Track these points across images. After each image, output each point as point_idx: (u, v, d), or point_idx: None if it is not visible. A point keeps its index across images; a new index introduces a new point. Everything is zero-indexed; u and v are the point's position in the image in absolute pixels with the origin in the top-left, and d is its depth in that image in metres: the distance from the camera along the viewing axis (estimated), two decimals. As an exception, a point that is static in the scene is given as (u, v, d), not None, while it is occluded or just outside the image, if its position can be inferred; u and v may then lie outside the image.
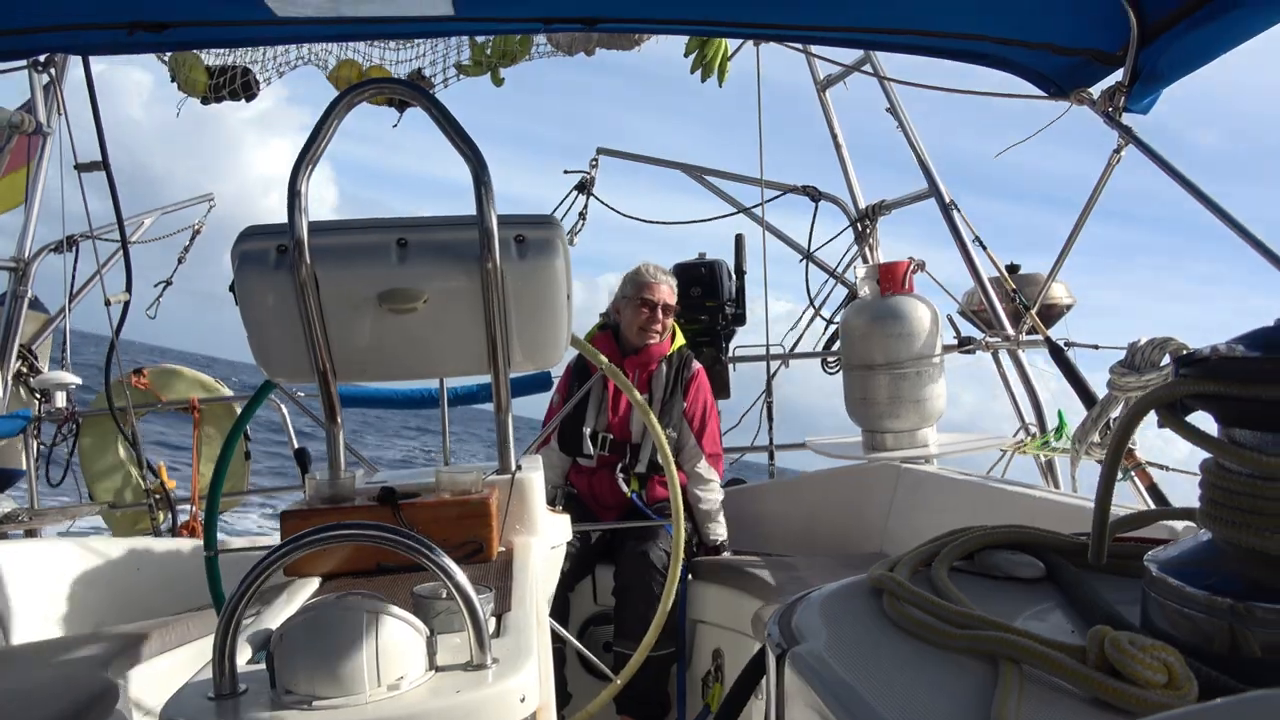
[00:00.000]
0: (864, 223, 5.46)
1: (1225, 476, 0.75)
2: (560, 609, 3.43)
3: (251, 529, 8.89)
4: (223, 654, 1.10)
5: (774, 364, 5.39)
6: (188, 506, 4.87)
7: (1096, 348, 4.13)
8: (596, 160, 5.66)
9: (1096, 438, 3.21)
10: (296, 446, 2.38)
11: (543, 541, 2.02)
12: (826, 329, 5.29)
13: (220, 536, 2.56)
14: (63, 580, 3.06)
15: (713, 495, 3.73)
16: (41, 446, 4.89)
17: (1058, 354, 4.05)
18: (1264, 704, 0.47)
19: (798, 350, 5.41)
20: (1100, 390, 3.34)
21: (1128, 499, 3.20)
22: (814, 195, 5.56)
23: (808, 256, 5.48)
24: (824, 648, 0.84)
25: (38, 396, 4.91)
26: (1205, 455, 0.80)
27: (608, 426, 3.75)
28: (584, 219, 5.62)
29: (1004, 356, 4.39)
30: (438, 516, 1.77)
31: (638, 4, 2.73)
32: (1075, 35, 2.68)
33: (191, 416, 5.22)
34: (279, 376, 2.02)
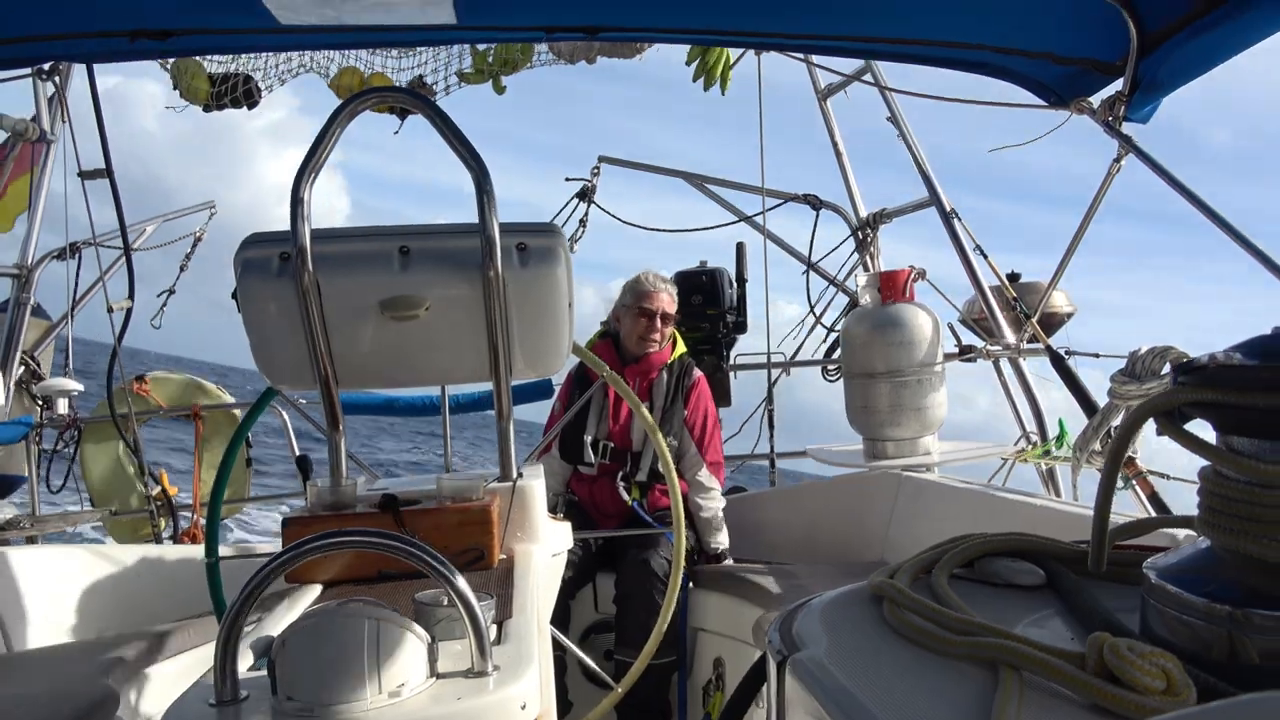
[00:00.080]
0: (865, 231, 5.47)
1: (1223, 484, 0.76)
2: (561, 617, 3.42)
3: (253, 536, 8.89)
4: (224, 660, 1.10)
5: (775, 372, 5.39)
6: (189, 513, 4.87)
7: (1097, 356, 4.14)
8: (598, 168, 5.67)
9: (1098, 446, 3.21)
10: (298, 453, 2.38)
11: (544, 549, 2.02)
12: (827, 337, 5.30)
13: (221, 544, 2.57)
14: (63, 587, 3.06)
15: (714, 503, 3.73)
16: (43, 453, 4.90)
17: (1058, 362, 4.05)
18: (1259, 706, 0.47)
19: (799, 358, 5.41)
20: (1101, 399, 3.35)
21: (1129, 507, 3.20)
22: (815, 204, 5.58)
23: (809, 264, 5.49)
24: (824, 654, 0.85)
25: (39, 403, 4.91)
26: (1204, 463, 0.80)
27: (609, 435, 3.75)
28: (584, 226, 5.63)
29: (1005, 365, 4.40)
30: (439, 524, 1.77)
31: (639, 13, 2.74)
32: (1075, 45, 2.69)
33: (193, 423, 5.23)
34: (281, 384, 2.03)
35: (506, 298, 1.80)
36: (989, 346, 4.44)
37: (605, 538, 3.64)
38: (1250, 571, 0.73)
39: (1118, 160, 3.30)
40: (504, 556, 1.86)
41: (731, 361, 5.18)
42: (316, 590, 1.67)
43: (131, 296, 4.10)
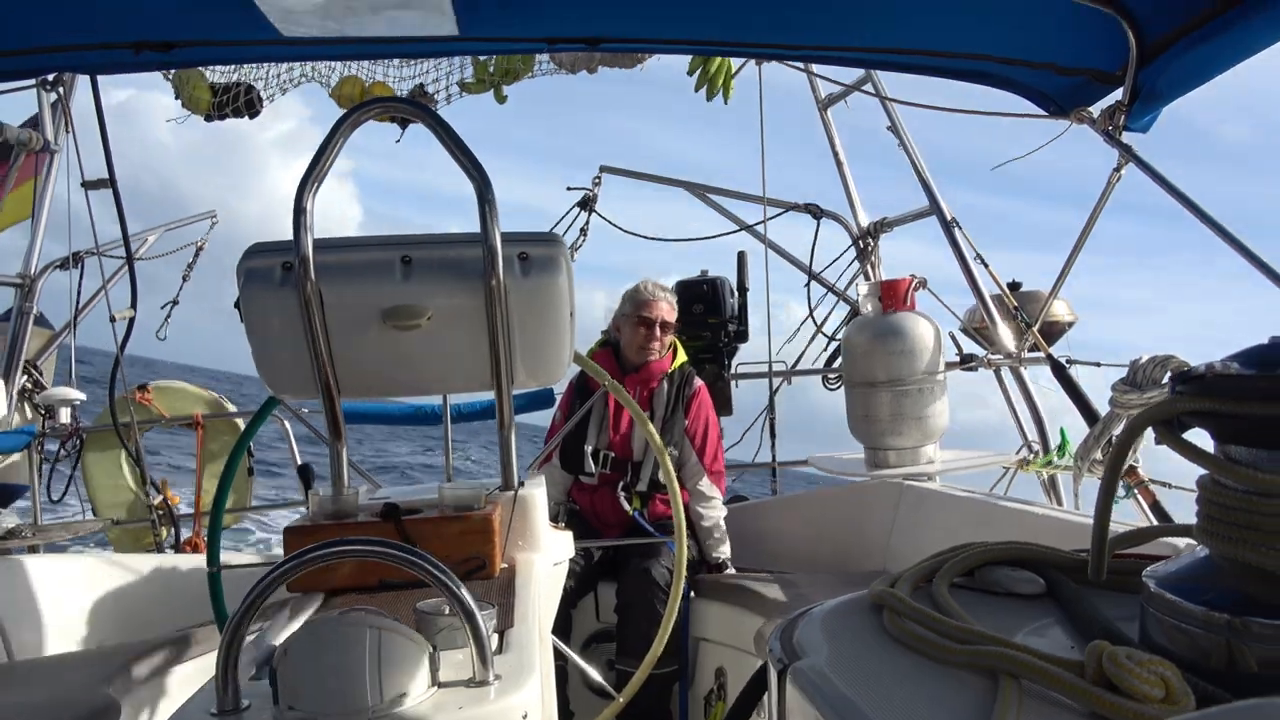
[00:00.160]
0: (866, 240, 5.48)
1: (1221, 493, 0.76)
2: (563, 626, 3.42)
3: (275, 536, 8.89)
4: (225, 670, 1.10)
5: (776, 380, 5.40)
6: (190, 522, 4.87)
7: (1099, 364, 4.14)
8: (600, 178, 5.69)
9: (1099, 455, 3.21)
10: (300, 462, 2.39)
11: (545, 558, 2.02)
12: (828, 346, 5.31)
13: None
14: (65, 596, 3.06)
15: (715, 512, 3.73)
16: (45, 462, 4.90)
17: (1059, 371, 4.05)
18: (1255, 712, 0.47)
19: (800, 366, 5.42)
20: (1102, 407, 3.35)
21: (1132, 517, 3.20)
22: (816, 213, 5.59)
23: (810, 274, 5.50)
24: (825, 663, 0.85)
25: (42, 413, 4.92)
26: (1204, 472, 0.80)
27: (609, 444, 3.75)
28: (585, 235, 5.65)
29: (1006, 374, 4.40)
30: (440, 532, 1.78)
31: (640, 24, 2.76)
32: (1075, 55, 2.70)
33: (195, 432, 5.23)
34: (283, 393, 2.03)
35: (508, 307, 1.81)
36: (990, 355, 4.44)
37: (607, 547, 3.64)
38: (1249, 580, 0.73)
39: (1118, 170, 3.31)
40: (505, 565, 1.86)
41: (733, 370, 5.19)
42: (318, 599, 1.67)
43: (134, 306, 4.11)
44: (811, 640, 0.91)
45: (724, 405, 4.94)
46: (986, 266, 4.52)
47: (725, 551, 3.74)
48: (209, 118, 5.48)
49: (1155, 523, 3.06)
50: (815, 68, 5.05)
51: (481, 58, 5.11)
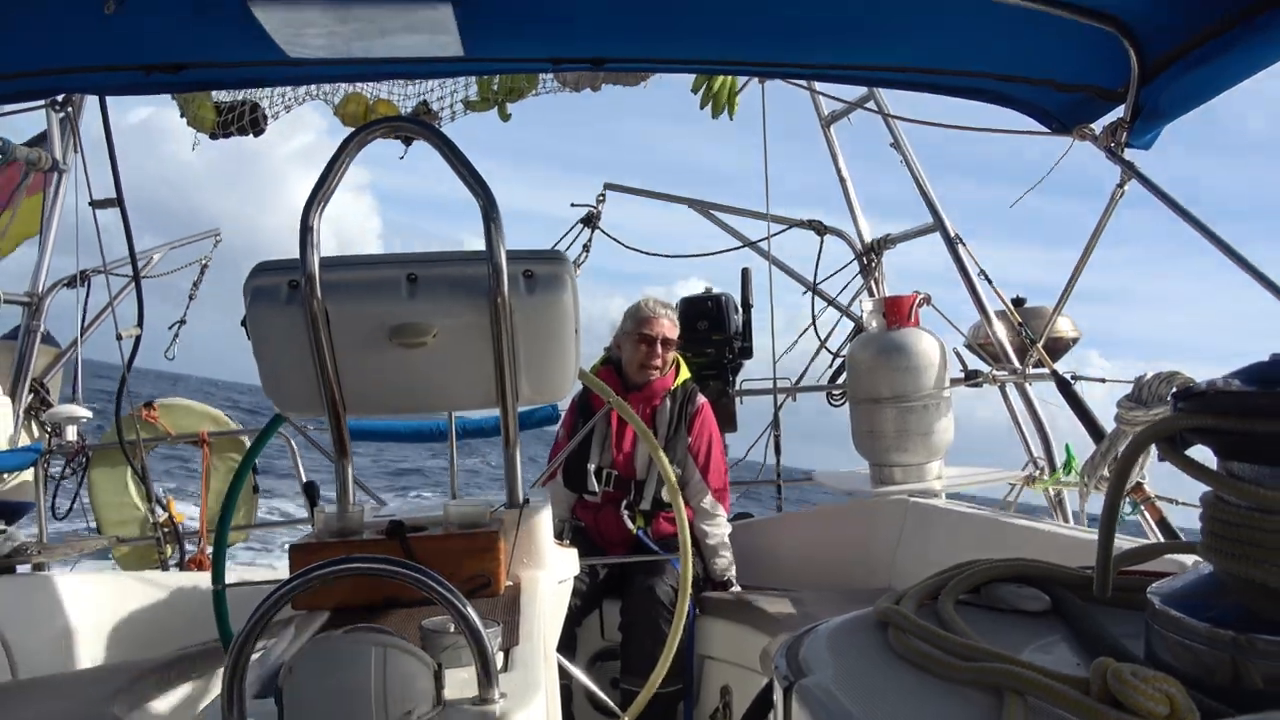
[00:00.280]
0: (869, 256, 5.49)
1: (1225, 509, 0.76)
2: (567, 644, 3.41)
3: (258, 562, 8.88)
4: (231, 688, 1.10)
5: (780, 397, 5.40)
6: (195, 540, 4.87)
7: (1104, 381, 4.14)
8: (604, 195, 5.72)
9: (1106, 472, 3.20)
10: (305, 480, 2.39)
11: (550, 575, 2.02)
12: (833, 362, 5.31)
13: (228, 570, 2.57)
14: (70, 614, 3.06)
15: (719, 530, 3.72)
16: (51, 480, 4.91)
17: (1065, 387, 4.05)
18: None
19: (804, 382, 5.42)
20: (1107, 423, 3.35)
21: (1139, 534, 3.19)
22: (820, 229, 5.60)
23: (814, 290, 5.51)
24: (831, 680, 0.85)
25: (48, 430, 4.93)
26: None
27: (612, 463, 3.74)
28: (588, 251, 5.67)
29: (1011, 390, 4.40)
30: (445, 550, 1.78)
31: (644, 44, 2.78)
32: (1077, 72, 2.71)
33: (200, 450, 5.24)
34: (290, 410, 2.04)
35: (513, 324, 1.81)
36: (995, 371, 4.44)
37: (611, 565, 3.63)
38: (1253, 596, 0.74)
39: (1120, 186, 3.32)
40: (510, 583, 1.86)
41: (737, 387, 5.19)
42: (323, 617, 1.67)
43: (140, 324, 4.13)
44: (817, 657, 0.91)
45: (728, 422, 4.94)
46: (990, 282, 4.53)
47: (730, 569, 3.72)
48: (214, 136, 5.52)
49: (1161, 539, 3.05)
50: (818, 85, 5.09)
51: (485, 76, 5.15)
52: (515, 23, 2.42)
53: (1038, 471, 4.17)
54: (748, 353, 5.17)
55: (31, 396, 5.04)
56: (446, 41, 2.37)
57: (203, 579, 3.52)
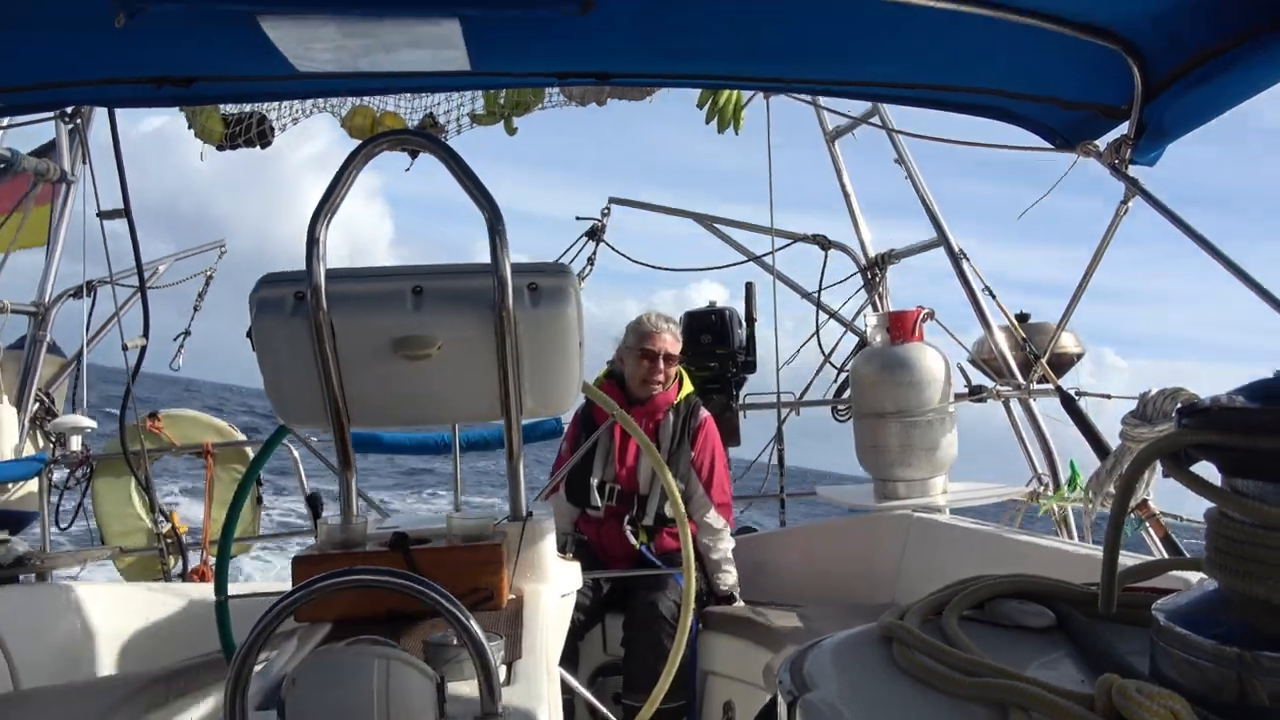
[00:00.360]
0: (873, 271, 5.50)
1: (1229, 526, 0.76)
2: (570, 658, 3.40)
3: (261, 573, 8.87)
4: (234, 700, 1.10)
5: (784, 411, 5.40)
6: (198, 551, 4.87)
7: (1109, 397, 4.13)
8: (608, 209, 5.73)
9: (1111, 489, 3.19)
10: (309, 492, 2.39)
11: (553, 589, 2.02)
12: (838, 377, 5.31)
13: (231, 581, 2.57)
14: (73, 625, 3.06)
15: (722, 545, 3.71)
16: (55, 489, 4.91)
17: (1069, 403, 4.05)
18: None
19: (808, 396, 5.42)
20: (1111, 438, 3.34)
21: (1145, 551, 3.18)
22: (824, 244, 5.62)
23: (817, 304, 5.52)
24: (835, 696, 0.85)
25: (53, 440, 4.94)
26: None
27: (615, 477, 3.73)
28: (592, 265, 5.68)
29: (1015, 405, 4.39)
30: (449, 562, 1.78)
31: (649, 59, 2.79)
32: (1080, 89, 2.72)
33: (205, 461, 5.24)
34: (294, 422, 2.05)
35: (517, 337, 1.82)
36: (999, 387, 4.43)
37: (614, 579, 3.62)
38: (1258, 613, 0.73)
39: (1125, 202, 3.32)
40: (513, 596, 1.86)
41: (740, 401, 5.19)
42: (326, 628, 1.67)
43: (146, 335, 4.14)
44: (821, 672, 0.91)
45: (731, 436, 4.93)
46: (994, 297, 4.53)
47: (733, 582, 3.71)
48: (221, 148, 5.54)
49: (1166, 556, 3.04)
50: (822, 100, 5.11)
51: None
52: (521, 37, 2.44)
53: (1042, 487, 4.16)
54: (751, 367, 5.17)
55: (37, 406, 5.05)
56: (453, 56, 2.39)
57: (205, 590, 3.52)
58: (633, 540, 3.64)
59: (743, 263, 5.72)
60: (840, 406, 5.04)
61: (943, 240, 4.77)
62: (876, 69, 2.81)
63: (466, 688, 1.21)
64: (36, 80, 2.55)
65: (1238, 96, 2.29)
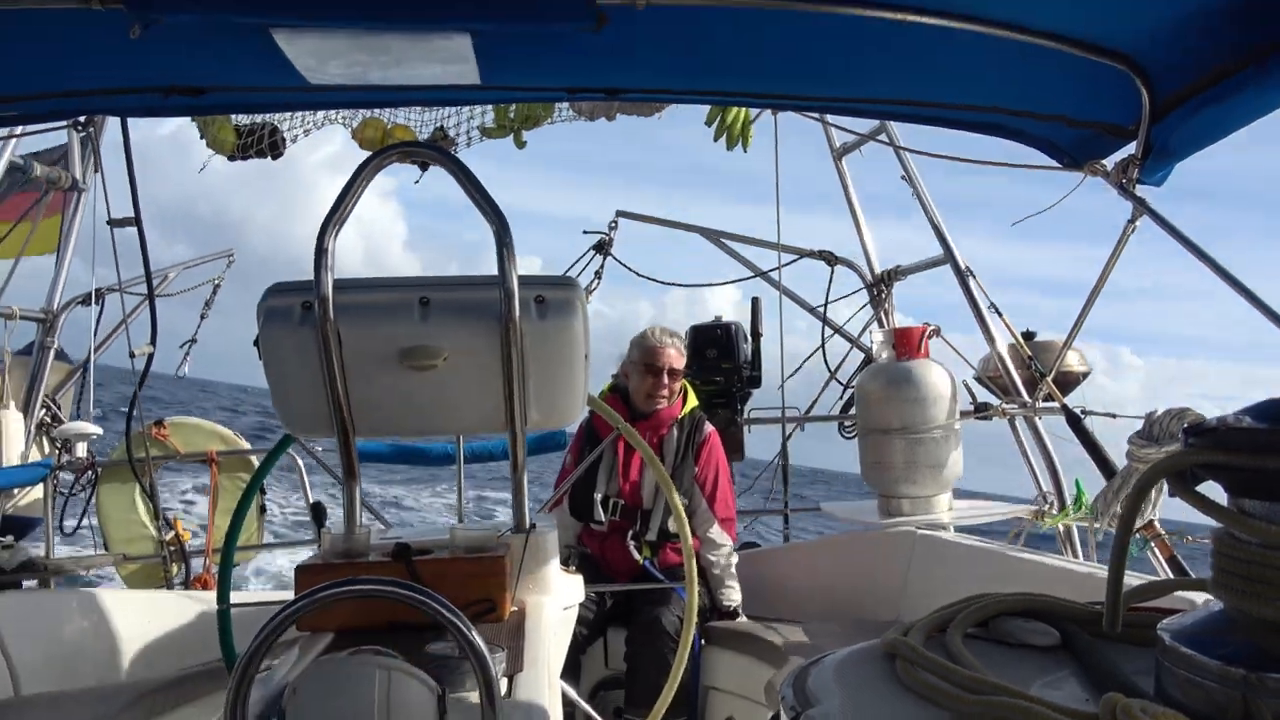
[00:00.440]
0: (879, 287, 5.50)
1: (1235, 546, 0.76)
2: (571, 671, 3.38)
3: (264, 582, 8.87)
4: (235, 709, 1.10)
5: (789, 427, 5.39)
6: (201, 559, 4.87)
7: (1114, 416, 4.12)
8: (615, 222, 5.75)
9: (1118, 509, 3.18)
10: (312, 501, 2.40)
11: (556, 601, 2.01)
12: (844, 393, 5.30)
13: (233, 590, 2.57)
14: (75, 631, 3.06)
15: (725, 560, 3.70)
16: (60, 496, 4.92)
17: (1075, 422, 4.03)
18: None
19: (813, 412, 5.41)
20: (1116, 458, 3.33)
21: (1150, 572, 3.16)
22: (830, 260, 5.62)
23: (823, 320, 5.52)
24: (837, 712, 0.84)
25: (58, 446, 4.95)
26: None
27: (619, 492, 3.72)
28: (600, 278, 5.69)
29: (1021, 424, 4.38)
30: (451, 574, 1.78)
31: (658, 75, 2.81)
32: (1088, 109, 2.72)
33: (209, 468, 5.25)
34: (299, 431, 2.05)
35: (524, 349, 1.82)
36: (1004, 405, 4.42)
37: (617, 593, 3.61)
38: (1264, 634, 0.73)
39: (1132, 221, 3.32)
40: (515, 608, 1.85)
41: (745, 415, 5.19)
42: (328, 638, 1.67)
43: (154, 342, 4.16)
44: (824, 688, 0.90)
45: (736, 450, 4.93)
46: (1000, 315, 4.53)
47: (736, 598, 3.70)
48: (232, 158, 5.58)
49: (1172, 577, 3.02)
50: (830, 117, 5.12)
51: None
52: (532, 52, 2.45)
53: (1047, 505, 4.15)
54: (756, 381, 5.17)
55: (43, 412, 5.07)
56: (464, 70, 2.40)
57: (208, 598, 3.52)
58: (636, 555, 3.63)
59: (749, 278, 5.73)
60: (846, 422, 5.03)
61: (949, 258, 4.77)
62: (884, 87, 2.82)
63: (467, 699, 1.20)
64: (50, 89, 2.58)
65: (1245, 118, 2.29)
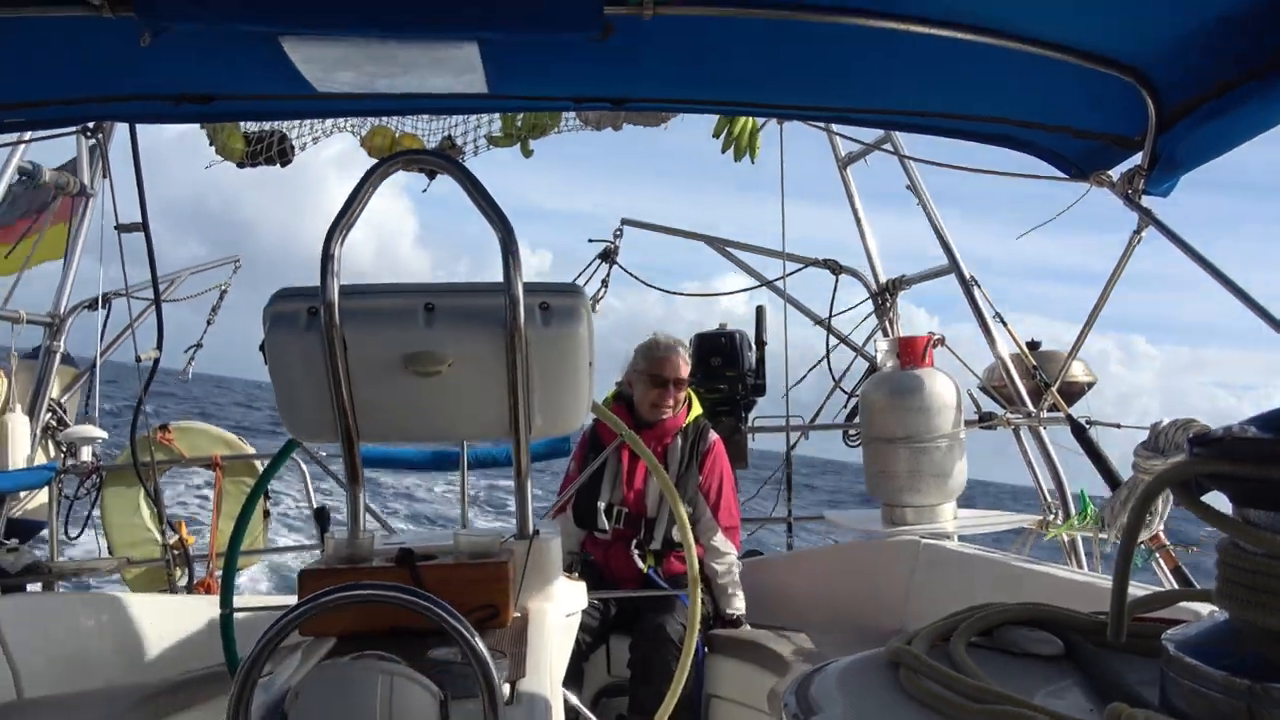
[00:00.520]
0: (884, 296, 5.50)
1: (1240, 556, 0.76)
2: (574, 678, 3.37)
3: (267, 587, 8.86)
4: (237, 713, 1.10)
5: (793, 435, 5.39)
6: (205, 563, 4.88)
7: (1119, 426, 4.10)
8: (621, 230, 5.76)
9: (1125, 520, 3.17)
10: (316, 506, 2.40)
11: (559, 608, 2.01)
12: (848, 402, 5.30)
13: (236, 595, 2.57)
14: (78, 635, 3.06)
15: (729, 568, 3.69)
16: (64, 499, 4.93)
17: (1080, 433, 4.03)
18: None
19: (818, 420, 5.41)
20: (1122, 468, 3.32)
21: (1154, 584, 3.15)
22: (835, 269, 5.62)
23: (828, 329, 5.52)
24: None
25: (63, 450, 4.97)
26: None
27: (623, 500, 3.72)
28: (606, 286, 5.70)
29: (1025, 434, 4.37)
30: (454, 579, 1.78)
31: (664, 85, 2.81)
32: (1094, 120, 2.72)
33: (214, 473, 5.26)
34: (304, 436, 2.05)
35: (528, 356, 1.83)
36: (1009, 415, 4.42)
37: (620, 600, 3.60)
38: (1269, 644, 0.73)
39: (1138, 232, 3.32)
40: (518, 614, 1.85)
41: (750, 424, 5.18)
42: (330, 643, 1.67)
43: (160, 347, 4.17)
44: (827, 696, 0.90)
45: (740, 458, 4.92)
46: (1005, 324, 4.52)
47: (740, 606, 3.69)
48: (241, 165, 5.61)
49: (1176, 587, 3.01)
50: (835, 127, 5.13)
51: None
52: (539, 61, 2.46)
53: (1051, 515, 4.14)
54: (761, 390, 5.17)
55: (49, 416, 5.08)
56: (472, 79, 2.41)
57: (211, 602, 3.52)
58: (640, 564, 3.62)
59: (755, 288, 5.73)
60: (850, 431, 5.03)
61: (954, 267, 4.77)
62: (891, 97, 2.83)
63: (470, 705, 1.20)
64: (61, 96, 2.59)
65: (1252, 130, 2.29)
